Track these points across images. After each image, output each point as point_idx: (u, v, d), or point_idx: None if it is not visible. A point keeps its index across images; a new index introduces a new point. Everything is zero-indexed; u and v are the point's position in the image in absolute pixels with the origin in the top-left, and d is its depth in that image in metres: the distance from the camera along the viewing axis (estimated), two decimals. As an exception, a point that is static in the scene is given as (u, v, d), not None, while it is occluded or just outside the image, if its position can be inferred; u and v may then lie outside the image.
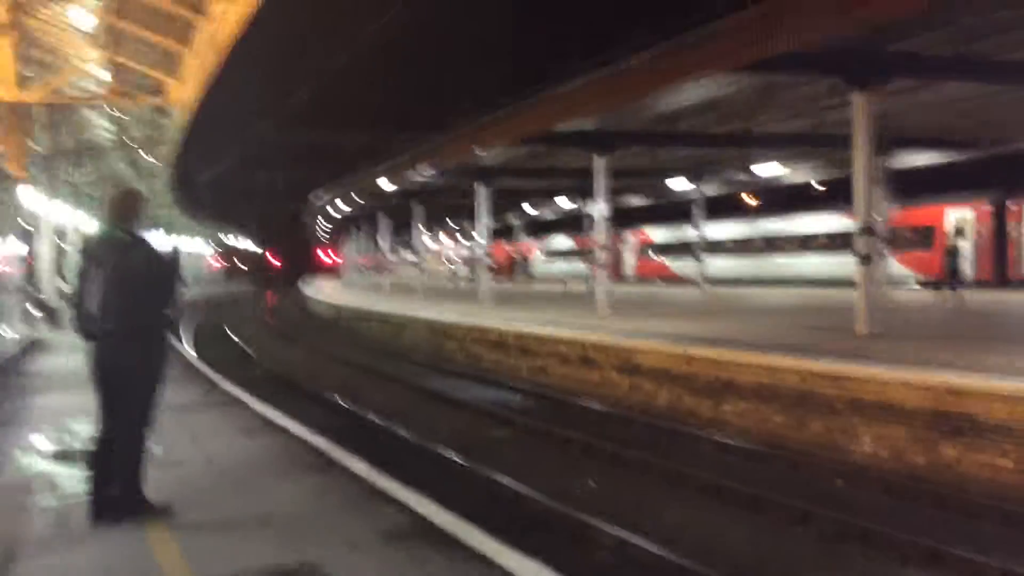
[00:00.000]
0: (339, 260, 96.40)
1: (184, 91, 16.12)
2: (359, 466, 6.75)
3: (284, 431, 8.13)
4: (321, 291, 51.66)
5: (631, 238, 48.62)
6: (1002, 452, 8.33)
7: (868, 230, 13.83)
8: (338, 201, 40.92)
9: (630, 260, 48.98)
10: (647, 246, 47.84)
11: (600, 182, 20.86)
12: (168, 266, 5.50)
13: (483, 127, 21.46)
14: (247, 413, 9.02)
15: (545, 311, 23.11)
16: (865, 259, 13.87)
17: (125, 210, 5.50)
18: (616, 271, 49.58)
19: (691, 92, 17.00)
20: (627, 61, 15.47)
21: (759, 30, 12.66)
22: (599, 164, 20.97)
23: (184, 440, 7.74)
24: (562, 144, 22.39)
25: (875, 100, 14.25)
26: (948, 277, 22.12)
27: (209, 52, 14.03)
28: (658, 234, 46.32)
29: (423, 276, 38.87)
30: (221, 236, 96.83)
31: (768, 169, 28.97)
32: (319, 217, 55.49)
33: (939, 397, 8.89)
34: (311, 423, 9.12)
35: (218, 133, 19.21)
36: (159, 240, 57.58)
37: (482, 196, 28.33)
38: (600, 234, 21.05)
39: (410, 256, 73.76)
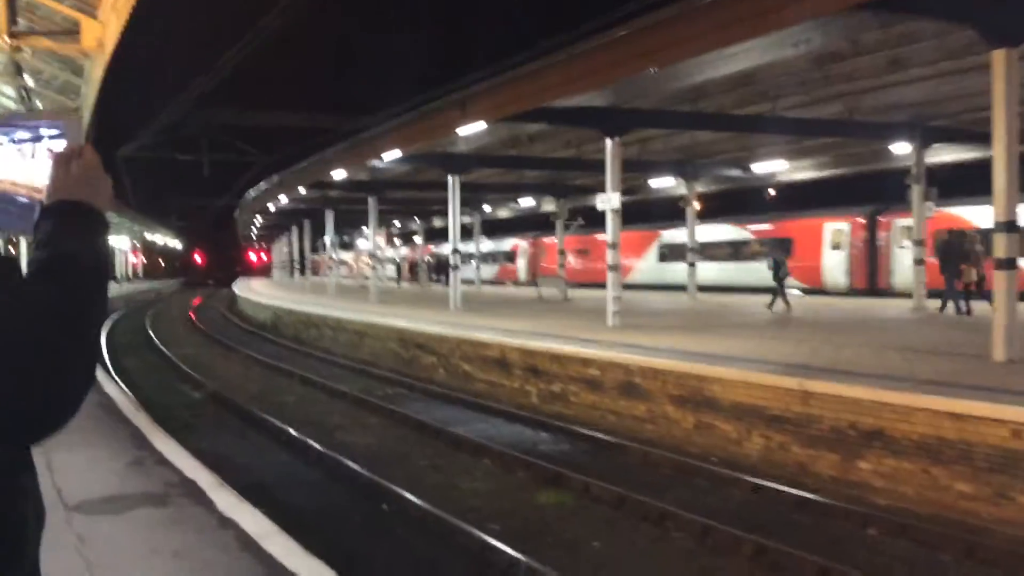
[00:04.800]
0: (268, 259, 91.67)
1: (103, 32, 12.17)
2: None
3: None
4: (254, 292, 47.20)
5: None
6: None
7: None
8: (278, 195, 36.88)
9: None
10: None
11: (614, 171, 17.41)
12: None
13: (467, 99, 17.92)
14: (207, 520, 4.88)
15: (536, 320, 19.61)
16: (1006, 263, 10.71)
17: None
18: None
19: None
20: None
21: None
22: (610, 147, 17.53)
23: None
24: (564, 122, 18.93)
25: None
26: None
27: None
28: None
29: (373, 277, 34.92)
30: (145, 233, 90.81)
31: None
32: (252, 213, 51.11)
33: None
34: (301, 514, 5.43)
35: (140, 89, 15.50)
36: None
37: (453, 187, 24.69)
38: (614, 231, 17.60)
39: (352, 255, 69.66)
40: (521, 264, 51.18)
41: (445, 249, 55.14)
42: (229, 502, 5.03)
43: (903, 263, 26.83)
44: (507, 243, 52.06)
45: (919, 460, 8.26)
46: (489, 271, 53.28)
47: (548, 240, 47.36)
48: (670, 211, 35.70)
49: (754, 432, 10.09)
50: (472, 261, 48.28)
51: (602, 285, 35.52)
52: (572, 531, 7.61)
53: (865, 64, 16.34)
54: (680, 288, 31.35)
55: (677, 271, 34.35)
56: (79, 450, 6.67)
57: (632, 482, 9.05)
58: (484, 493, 9.02)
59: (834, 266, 30.86)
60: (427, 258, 54.01)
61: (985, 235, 20.97)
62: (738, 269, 34.58)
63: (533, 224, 48.65)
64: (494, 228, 54.66)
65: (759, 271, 29.28)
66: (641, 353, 12.44)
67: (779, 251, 23.91)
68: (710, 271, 34.22)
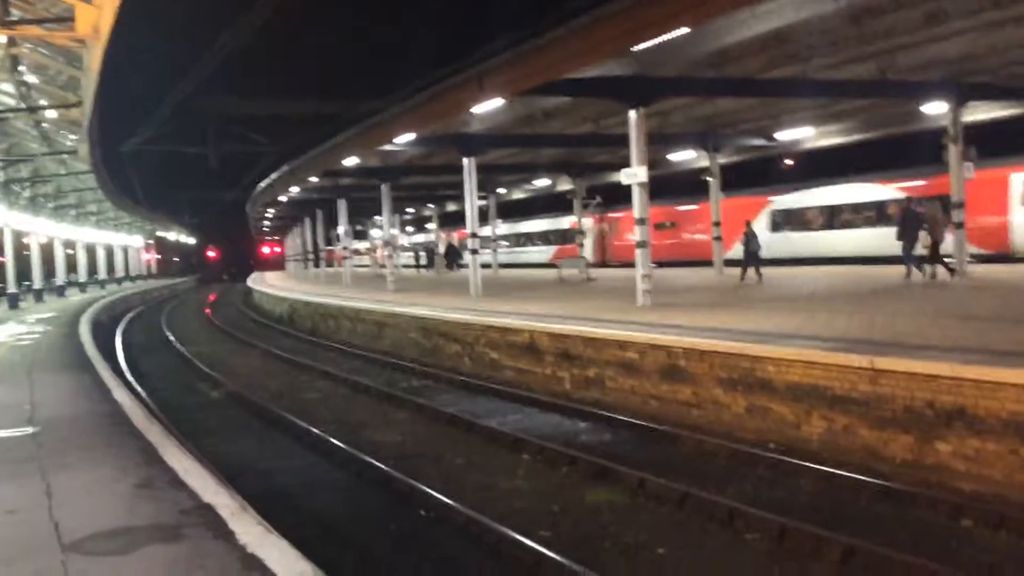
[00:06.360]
0: (282, 252, 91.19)
1: (98, 17, 11.43)
2: None
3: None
4: (269, 285, 46.65)
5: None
6: None
7: None
8: (290, 185, 36.16)
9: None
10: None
11: (639, 144, 16.60)
12: None
13: (484, 74, 17.07)
14: (227, 559, 4.05)
15: (562, 302, 18.88)
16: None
17: None
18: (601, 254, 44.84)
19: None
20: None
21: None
22: (634, 119, 16.71)
23: None
24: (586, 93, 18.09)
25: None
26: None
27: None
28: None
29: (388, 265, 34.20)
30: (159, 232, 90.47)
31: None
32: (264, 205, 50.46)
33: None
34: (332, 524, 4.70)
35: (140, 76, 14.77)
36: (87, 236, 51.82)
37: (469, 170, 23.87)
38: (642, 207, 16.80)
39: (366, 244, 69.02)
40: (586, 244, 43.86)
41: (522, 228, 52.65)
42: (253, 533, 4.27)
43: None
44: (564, 221, 45.15)
45: (1007, 440, 7.49)
46: (537, 254, 49.82)
47: (620, 215, 41.60)
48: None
49: (814, 415, 9.33)
50: (498, 244, 46.24)
51: (690, 263, 33.09)
52: (632, 535, 6.88)
53: (902, 19, 15.45)
54: (799, 262, 29.01)
55: (795, 242, 31.36)
56: (82, 470, 5.98)
57: (689, 475, 8.33)
58: (528, 493, 8.30)
59: None
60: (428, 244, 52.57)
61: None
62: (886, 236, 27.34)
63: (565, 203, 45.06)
64: (535, 208, 51.63)
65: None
66: (682, 333, 11.68)
67: (750, 225, 23.22)
68: (847, 239, 29.73)
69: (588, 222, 44.22)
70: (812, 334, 10.70)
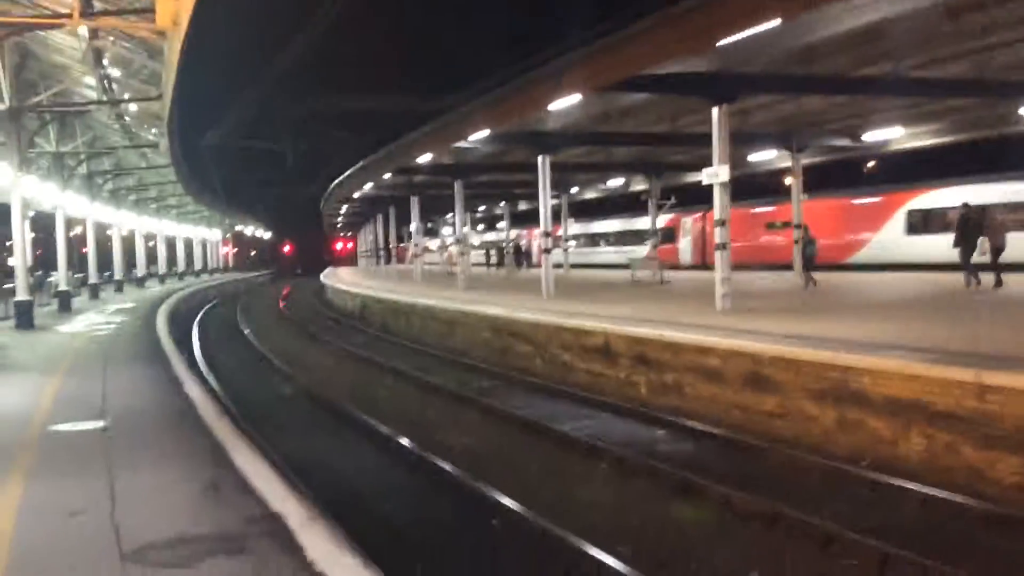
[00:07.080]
0: (353, 247, 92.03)
1: (177, 8, 11.40)
2: None
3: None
4: (341, 280, 47.02)
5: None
6: None
7: None
8: (364, 182, 36.30)
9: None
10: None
11: (722, 142, 16.03)
12: None
13: (563, 68, 16.66)
14: None
15: (637, 304, 18.38)
16: None
17: None
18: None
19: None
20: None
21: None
22: (717, 116, 16.15)
23: None
24: (667, 90, 17.54)
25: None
26: None
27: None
28: None
29: (462, 264, 34.06)
30: (236, 225, 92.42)
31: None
32: (338, 201, 50.89)
33: None
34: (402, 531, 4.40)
35: (220, 69, 14.78)
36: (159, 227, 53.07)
37: (543, 168, 23.48)
38: (723, 208, 16.24)
39: (437, 242, 69.18)
40: (684, 245, 42.44)
41: (594, 228, 50.66)
42: (321, 548, 3.99)
43: None
44: (659, 219, 42.58)
45: None
46: (618, 255, 44.78)
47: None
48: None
49: (913, 431, 8.74)
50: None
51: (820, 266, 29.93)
52: (720, 557, 6.44)
53: (1003, 15, 14.60)
54: (938, 268, 25.48)
55: (934, 246, 27.09)
56: (149, 470, 5.82)
57: (778, 492, 7.83)
58: (607, 506, 7.90)
59: None
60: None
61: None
62: None
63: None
64: (613, 207, 48.92)
65: None
66: (766, 340, 11.14)
67: (806, 229, 22.82)
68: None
69: (688, 221, 42.24)
70: (909, 344, 10.08)
